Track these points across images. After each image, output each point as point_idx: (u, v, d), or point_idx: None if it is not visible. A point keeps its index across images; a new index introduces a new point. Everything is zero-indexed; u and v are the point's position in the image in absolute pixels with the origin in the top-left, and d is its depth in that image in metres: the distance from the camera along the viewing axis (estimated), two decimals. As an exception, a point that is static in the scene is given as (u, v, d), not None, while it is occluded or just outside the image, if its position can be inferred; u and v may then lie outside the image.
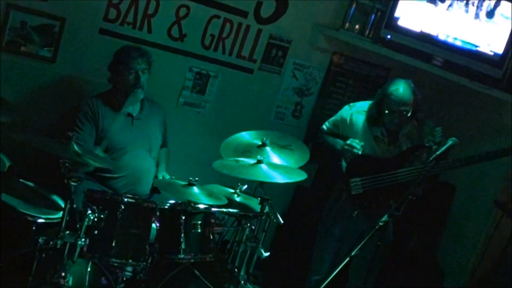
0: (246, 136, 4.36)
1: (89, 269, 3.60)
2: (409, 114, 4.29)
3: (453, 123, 4.91)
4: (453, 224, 5.73)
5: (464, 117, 5.58)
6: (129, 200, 3.64)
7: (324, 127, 4.67)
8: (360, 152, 4.33)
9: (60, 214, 3.49)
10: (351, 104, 4.60)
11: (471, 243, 5.53)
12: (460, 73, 5.06)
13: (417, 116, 4.39)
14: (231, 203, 4.04)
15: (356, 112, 4.51)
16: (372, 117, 4.41)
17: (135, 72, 4.21)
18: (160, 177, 4.35)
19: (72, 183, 3.38)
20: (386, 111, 4.29)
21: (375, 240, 3.60)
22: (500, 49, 4.95)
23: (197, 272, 3.87)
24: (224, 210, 3.89)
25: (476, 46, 4.98)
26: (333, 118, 4.63)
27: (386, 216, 3.57)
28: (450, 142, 3.83)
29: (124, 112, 4.30)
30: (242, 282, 3.87)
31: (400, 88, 4.27)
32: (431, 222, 5.68)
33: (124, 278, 3.72)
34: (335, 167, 4.57)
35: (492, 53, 4.96)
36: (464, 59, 5.00)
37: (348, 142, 4.37)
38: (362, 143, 4.35)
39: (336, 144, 4.50)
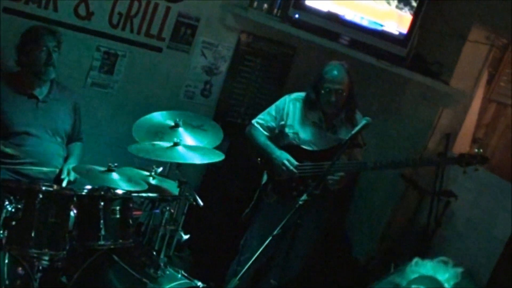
0: (159, 117, 4.31)
1: (6, 261, 3.49)
2: (344, 94, 4.37)
3: (361, 100, 5.05)
4: (360, 197, 5.94)
5: (372, 94, 5.76)
6: (47, 188, 3.56)
7: (256, 122, 4.57)
8: (296, 175, 4.38)
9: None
10: (289, 94, 4.61)
11: (378, 214, 5.77)
12: (367, 52, 5.19)
13: (351, 104, 4.47)
14: (148, 186, 4.02)
15: (294, 99, 4.54)
16: (310, 101, 4.45)
17: (46, 49, 4.08)
18: (65, 171, 4.16)
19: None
20: (322, 91, 4.37)
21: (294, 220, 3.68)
22: (404, 29, 5.14)
23: (115, 258, 3.85)
24: (144, 194, 3.88)
25: (382, 26, 5.14)
26: (267, 110, 4.59)
27: (305, 195, 3.65)
28: (364, 122, 3.95)
29: (29, 94, 4.16)
30: (162, 265, 3.88)
31: (335, 69, 4.35)
32: (338, 195, 5.85)
33: (41, 267, 3.64)
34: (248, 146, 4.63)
35: (397, 33, 5.15)
36: (370, 38, 5.15)
37: (288, 158, 4.38)
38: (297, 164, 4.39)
39: (272, 151, 4.44)
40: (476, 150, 4.53)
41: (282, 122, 4.51)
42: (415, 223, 5.60)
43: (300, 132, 4.47)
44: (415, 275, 2.97)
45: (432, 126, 5.45)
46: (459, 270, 3.06)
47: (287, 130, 4.48)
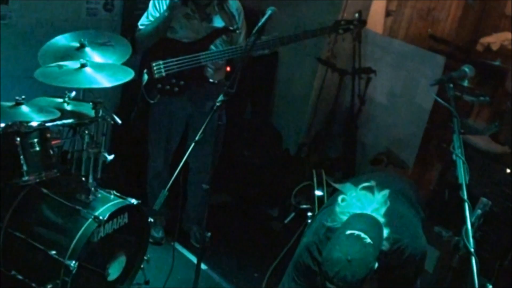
0: (63, 41, 4.16)
1: None
2: None
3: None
4: (282, 89, 5.96)
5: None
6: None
7: (141, 25, 4.50)
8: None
9: None
10: None
11: (302, 102, 5.81)
12: None
13: None
14: (63, 113, 3.91)
15: None
16: None
17: None
18: None
19: None
20: None
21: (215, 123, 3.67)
22: None
23: (45, 190, 3.80)
24: (59, 122, 3.78)
25: None
26: (147, 11, 4.50)
27: (222, 95, 3.62)
28: (269, 12, 3.88)
29: None
30: (93, 189, 3.85)
31: None
32: (260, 90, 5.87)
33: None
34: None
35: None
36: None
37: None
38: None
39: (157, 19, 4.40)
40: (356, 15, 4.54)
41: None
42: (339, 105, 5.66)
43: (176, 26, 4.41)
44: (346, 216, 3.01)
45: (341, 7, 5.42)
46: (385, 193, 3.11)
47: None
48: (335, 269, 2.77)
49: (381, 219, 2.97)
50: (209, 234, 3.58)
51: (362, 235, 2.81)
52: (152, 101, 4.47)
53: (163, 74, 4.40)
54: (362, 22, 4.52)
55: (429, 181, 5.43)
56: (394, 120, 5.50)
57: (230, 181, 5.50)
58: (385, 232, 2.94)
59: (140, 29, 4.48)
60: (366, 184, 3.18)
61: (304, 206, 4.51)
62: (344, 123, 5.62)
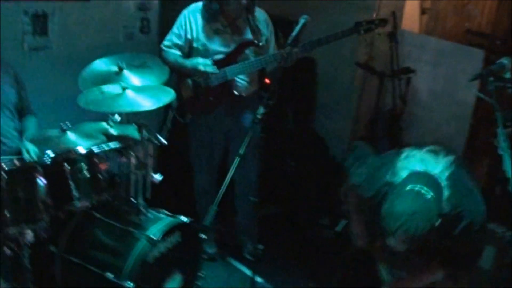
0: (101, 65, 4.20)
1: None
2: None
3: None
4: (323, 95, 5.95)
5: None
6: (10, 167, 3.49)
7: (164, 46, 4.54)
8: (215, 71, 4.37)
9: None
10: (187, 8, 4.54)
11: (344, 108, 5.79)
12: None
13: (252, 8, 4.41)
14: (108, 137, 3.97)
15: (192, 11, 4.49)
16: (212, 12, 4.40)
17: None
18: (24, 151, 4.06)
19: None
20: None
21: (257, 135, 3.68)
22: None
23: (97, 214, 3.87)
24: (105, 147, 3.84)
25: None
26: (171, 30, 4.54)
27: (262, 108, 3.63)
28: (302, 21, 3.90)
29: None
30: (143, 209, 3.90)
31: None
32: (300, 98, 5.87)
33: (27, 243, 3.64)
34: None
35: None
36: None
37: (201, 61, 4.38)
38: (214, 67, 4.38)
39: (184, 64, 4.44)
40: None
41: (189, 37, 4.47)
42: (382, 107, 5.63)
43: (208, 43, 4.44)
44: (406, 172, 2.97)
45: (375, 8, 5.40)
46: (450, 158, 3.07)
47: (195, 44, 4.46)
48: (397, 222, 2.75)
49: (443, 182, 2.92)
50: (261, 246, 3.59)
51: (423, 191, 2.78)
52: (183, 121, 4.51)
53: (191, 93, 4.44)
54: (383, 21, 4.47)
55: (478, 178, 5.35)
56: (438, 119, 5.44)
57: (278, 192, 5.50)
58: (446, 194, 2.89)
59: (162, 51, 4.52)
60: (432, 147, 3.13)
61: None
62: (387, 125, 5.59)
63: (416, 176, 2.92)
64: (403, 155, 3.07)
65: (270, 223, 5.19)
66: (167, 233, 3.79)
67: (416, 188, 2.79)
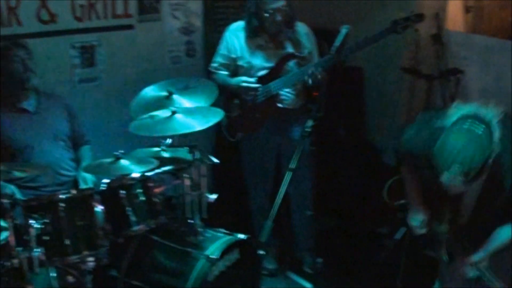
0: (151, 92, 4.26)
1: (53, 274, 3.58)
2: (287, 8, 4.33)
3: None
4: (372, 103, 5.91)
5: None
6: (67, 195, 3.57)
7: (212, 68, 4.62)
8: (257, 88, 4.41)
9: (5, 234, 3.41)
10: (228, 27, 4.61)
11: (393, 113, 5.74)
12: None
13: (292, 22, 4.45)
14: (161, 161, 4.02)
15: (235, 30, 4.55)
16: (253, 29, 4.45)
17: (19, 59, 4.05)
18: (80, 180, 4.24)
19: (5, 201, 3.31)
20: (266, 14, 4.34)
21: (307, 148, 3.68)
22: None
23: (155, 238, 3.91)
24: (159, 170, 3.89)
25: None
26: (217, 50, 4.61)
27: (310, 121, 3.63)
28: (344, 31, 3.91)
29: (19, 109, 4.18)
30: (201, 229, 3.93)
31: None
32: (350, 107, 5.84)
33: (88, 269, 3.71)
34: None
35: None
36: None
37: (244, 79, 4.43)
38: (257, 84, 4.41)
39: (229, 83, 4.52)
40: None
41: (233, 56, 4.52)
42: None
43: (252, 60, 4.48)
44: (457, 116, 2.96)
45: (416, 9, 5.34)
46: (501, 110, 3.05)
47: (240, 62, 4.50)
48: (451, 155, 2.76)
49: (494, 125, 2.88)
50: (320, 259, 3.58)
51: (474, 126, 2.79)
52: (233, 139, 4.54)
53: (239, 112, 4.47)
54: (420, 16, 4.41)
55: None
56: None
57: (334, 204, 5.47)
58: (497, 135, 2.85)
59: (212, 73, 4.59)
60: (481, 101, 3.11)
61: (402, 202, 4.42)
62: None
63: (466, 117, 2.92)
64: (454, 104, 3.07)
65: (328, 236, 5.17)
66: (226, 251, 3.80)
67: (467, 124, 2.81)
